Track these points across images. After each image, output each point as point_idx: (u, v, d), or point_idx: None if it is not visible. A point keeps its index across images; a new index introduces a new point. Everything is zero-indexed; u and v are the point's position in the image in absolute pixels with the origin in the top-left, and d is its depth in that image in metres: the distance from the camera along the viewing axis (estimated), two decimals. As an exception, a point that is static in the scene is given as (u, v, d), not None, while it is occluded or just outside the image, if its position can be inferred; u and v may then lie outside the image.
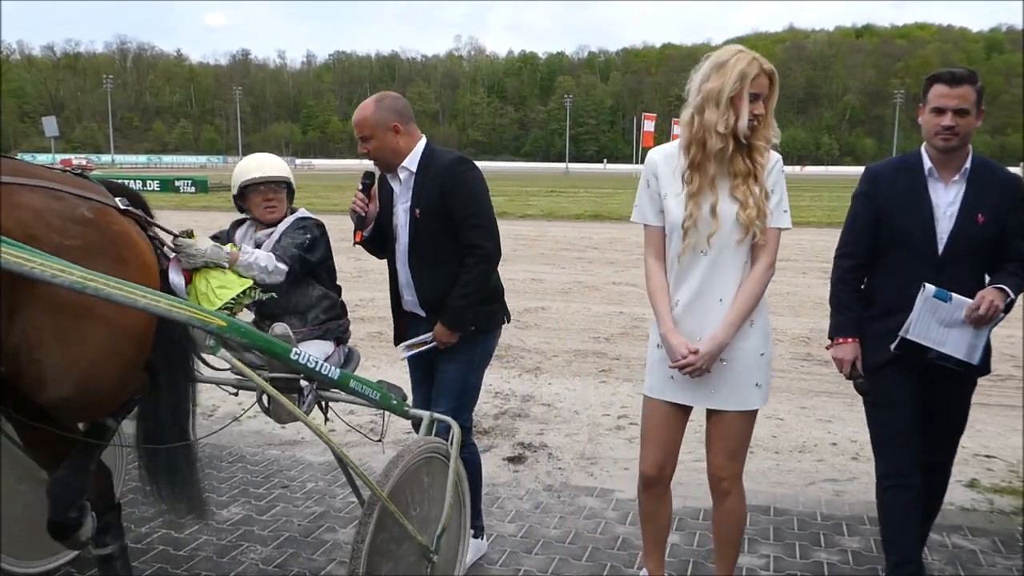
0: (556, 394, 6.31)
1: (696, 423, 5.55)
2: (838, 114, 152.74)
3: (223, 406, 5.61)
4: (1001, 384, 6.15)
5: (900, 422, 3.06)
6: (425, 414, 3.17)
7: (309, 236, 3.32)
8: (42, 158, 62.66)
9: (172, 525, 3.84)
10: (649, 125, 72.58)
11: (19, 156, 2.57)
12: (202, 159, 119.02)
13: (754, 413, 2.94)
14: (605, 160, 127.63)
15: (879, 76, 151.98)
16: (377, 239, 3.45)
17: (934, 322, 2.89)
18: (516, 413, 5.77)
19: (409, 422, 3.46)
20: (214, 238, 3.54)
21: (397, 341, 3.63)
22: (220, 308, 2.78)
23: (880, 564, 3.54)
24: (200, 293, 2.84)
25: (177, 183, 38.65)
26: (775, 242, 2.83)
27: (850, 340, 3.10)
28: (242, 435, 5.09)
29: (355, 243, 3.41)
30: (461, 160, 3.30)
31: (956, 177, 2.98)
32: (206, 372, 3.16)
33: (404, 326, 3.55)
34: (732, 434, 2.92)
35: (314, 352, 3.15)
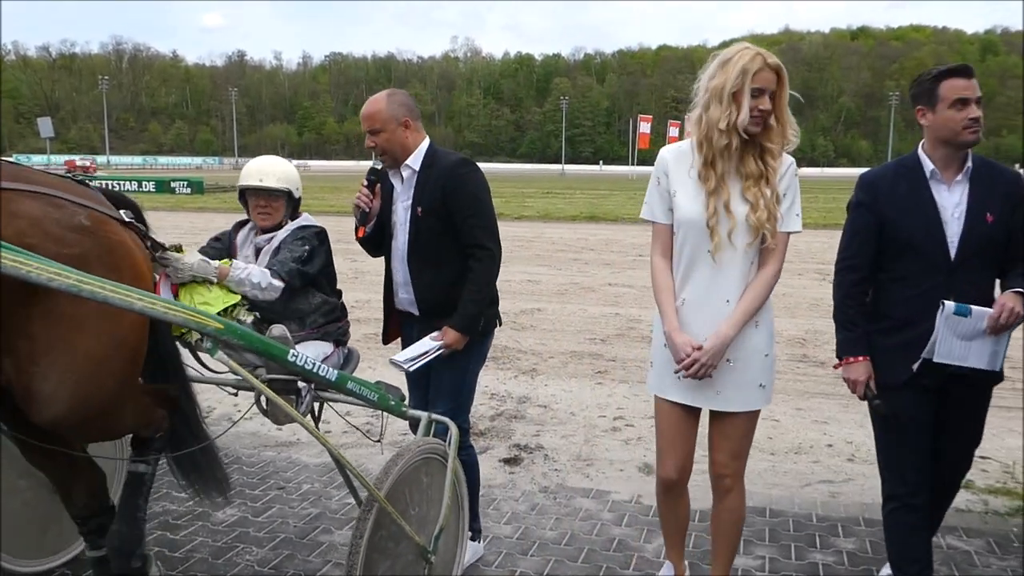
0: (552, 395, 6.32)
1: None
2: (833, 116, 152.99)
3: (219, 407, 5.60)
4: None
5: (913, 444, 2.94)
6: (423, 415, 3.17)
7: (307, 248, 3.31)
8: (37, 159, 62.61)
9: (167, 527, 3.84)
10: (645, 127, 72.86)
11: (15, 157, 2.56)
12: (198, 160, 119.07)
13: (757, 413, 2.96)
14: (601, 162, 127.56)
15: (874, 78, 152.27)
16: (376, 236, 3.45)
17: (955, 339, 2.77)
18: (512, 415, 5.78)
19: (406, 423, 3.46)
20: (215, 240, 3.54)
21: (386, 339, 3.62)
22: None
23: (875, 565, 3.55)
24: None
25: (173, 184, 38.53)
26: (784, 246, 2.83)
27: (861, 358, 2.94)
28: (238, 436, 5.08)
29: (357, 238, 3.41)
30: (464, 162, 3.32)
31: (959, 177, 2.86)
32: (206, 373, 3.15)
33: (396, 324, 3.56)
34: (735, 434, 2.93)
35: (312, 353, 3.15)
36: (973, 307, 2.76)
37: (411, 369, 3.20)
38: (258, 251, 3.43)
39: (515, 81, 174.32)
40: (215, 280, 2.96)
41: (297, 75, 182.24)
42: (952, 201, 2.85)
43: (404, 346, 3.47)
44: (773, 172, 2.76)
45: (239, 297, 3.04)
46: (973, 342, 2.77)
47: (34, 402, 2.34)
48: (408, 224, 3.31)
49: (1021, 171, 3.01)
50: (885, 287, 2.97)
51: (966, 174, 2.86)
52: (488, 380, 6.61)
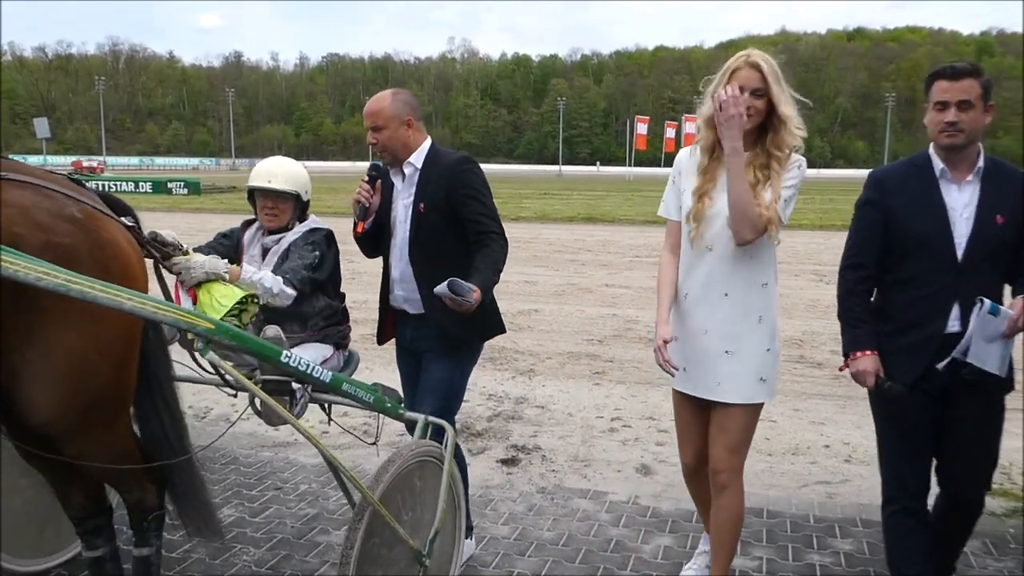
0: (549, 396, 6.32)
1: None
2: (830, 117, 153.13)
3: (216, 408, 5.59)
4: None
5: (913, 447, 2.91)
6: (420, 417, 3.16)
7: (317, 253, 3.31)
8: (33, 159, 62.39)
9: (164, 528, 3.83)
10: (642, 128, 72.96)
11: (10, 158, 2.55)
12: (194, 161, 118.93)
13: (757, 408, 2.99)
14: (598, 162, 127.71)
15: (871, 79, 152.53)
16: (375, 234, 3.45)
17: (981, 340, 2.69)
18: (509, 415, 5.78)
19: (403, 424, 3.46)
20: (223, 236, 3.53)
21: (380, 340, 3.62)
22: (225, 316, 2.73)
23: (872, 566, 3.55)
24: (205, 306, 2.77)
25: (169, 185, 38.53)
26: (771, 215, 2.82)
27: (869, 352, 2.87)
28: (235, 437, 5.07)
29: (355, 234, 3.41)
30: (466, 160, 3.34)
31: (970, 177, 2.79)
32: (205, 375, 3.13)
33: (390, 323, 3.56)
34: (734, 427, 2.96)
35: (311, 355, 3.15)
36: (1001, 308, 2.69)
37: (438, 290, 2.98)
38: (265, 251, 3.43)
39: (512, 82, 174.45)
40: (227, 277, 2.93)
41: (294, 76, 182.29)
42: (961, 201, 2.79)
43: (398, 345, 3.53)
44: (776, 176, 2.81)
45: (255, 296, 2.98)
46: (992, 345, 2.70)
47: (19, 396, 2.33)
48: (409, 221, 3.31)
49: None
50: (892, 288, 2.93)
51: (977, 174, 2.80)
52: (485, 381, 6.62)
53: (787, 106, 2.79)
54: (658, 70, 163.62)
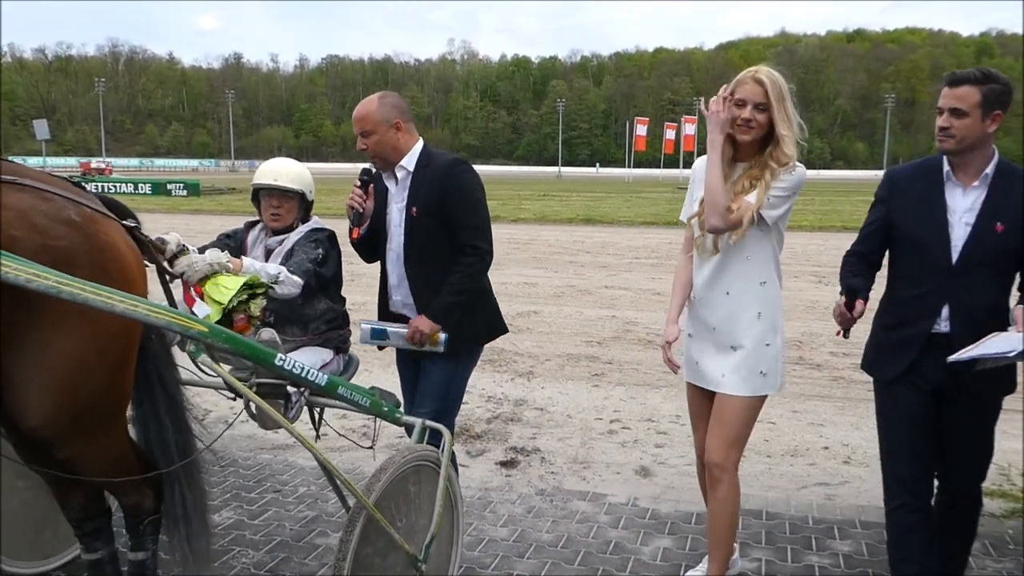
0: (549, 398, 6.32)
1: (689, 426, 5.55)
2: (829, 118, 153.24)
3: (216, 410, 5.59)
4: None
5: (911, 443, 2.95)
6: (417, 421, 3.15)
7: (322, 251, 3.32)
8: (33, 161, 62.37)
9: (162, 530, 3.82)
10: (642, 129, 72.90)
11: (10, 160, 2.55)
12: (194, 162, 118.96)
13: (757, 403, 3.09)
14: (598, 164, 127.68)
15: (870, 80, 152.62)
16: (371, 239, 3.45)
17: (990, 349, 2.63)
18: (509, 417, 5.77)
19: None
20: (227, 236, 3.53)
21: (380, 344, 3.61)
22: (233, 298, 2.69)
23: (871, 568, 3.55)
24: (212, 300, 2.74)
25: (169, 186, 38.53)
26: (742, 211, 2.93)
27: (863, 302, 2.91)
28: (234, 439, 5.07)
29: (351, 240, 3.41)
30: (459, 161, 3.32)
31: (976, 182, 2.82)
32: (204, 378, 3.13)
33: None
34: (731, 420, 3.06)
35: (309, 359, 3.15)
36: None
37: (369, 336, 3.31)
38: (268, 252, 3.42)
39: (512, 84, 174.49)
40: (231, 268, 2.91)
41: (294, 77, 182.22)
42: (963, 205, 2.83)
43: (398, 348, 3.47)
44: (764, 186, 2.93)
45: (262, 282, 2.89)
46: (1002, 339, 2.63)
47: (13, 408, 2.31)
48: (403, 225, 3.30)
49: None
50: (893, 284, 3.02)
51: (984, 180, 2.81)
52: (484, 383, 6.62)
53: (783, 125, 2.91)
54: (658, 72, 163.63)
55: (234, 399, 3.30)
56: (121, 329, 2.49)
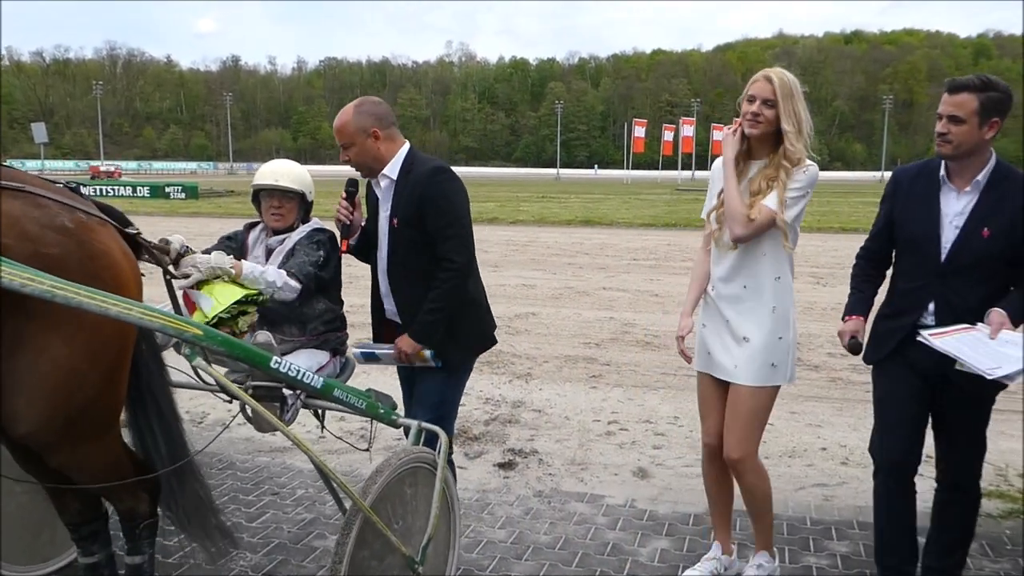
0: (547, 400, 6.32)
1: (687, 428, 5.55)
2: (827, 119, 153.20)
3: (213, 413, 5.59)
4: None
5: (897, 415, 3.07)
6: (413, 423, 3.14)
7: (323, 253, 3.31)
8: (31, 164, 62.30)
9: (161, 533, 3.82)
10: (640, 131, 72.96)
11: (8, 163, 2.54)
12: (192, 165, 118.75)
13: (770, 393, 3.20)
14: (596, 166, 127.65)
15: (868, 82, 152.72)
16: (363, 248, 3.43)
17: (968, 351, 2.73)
18: (506, 419, 5.77)
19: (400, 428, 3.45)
20: (227, 238, 3.53)
21: None
22: (221, 313, 2.71)
23: (869, 568, 3.55)
24: (201, 312, 2.76)
25: (167, 189, 38.51)
26: (763, 216, 3.05)
27: (853, 317, 3.19)
28: (232, 442, 5.07)
29: (342, 251, 3.41)
30: (440, 169, 3.22)
31: (968, 188, 2.91)
32: (200, 381, 3.13)
33: (387, 335, 3.45)
34: (744, 411, 3.17)
35: (306, 361, 3.14)
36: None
37: (361, 360, 3.42)
38: (269, 252, 3.42)
39: (510, 85, 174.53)
40: (232, 273, 2.91)
41: (292, 80, 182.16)
42: (955, 209, 2.94)
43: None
44: (781, 185, 3.03)
45: (257, 291, 2.95)
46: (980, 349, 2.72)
47: (4, 414, 2.30)
48: (387, 235, 3.26)
49: None
50: (894, 279, 3.19)
51: (976, 185, 2.90)
52: (482, 384, 6.61)
53: (787, 121, 3.01)
54: (656, 73, 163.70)
55: (231, 402, 3.30)
56: (114, 334, 2.48)
